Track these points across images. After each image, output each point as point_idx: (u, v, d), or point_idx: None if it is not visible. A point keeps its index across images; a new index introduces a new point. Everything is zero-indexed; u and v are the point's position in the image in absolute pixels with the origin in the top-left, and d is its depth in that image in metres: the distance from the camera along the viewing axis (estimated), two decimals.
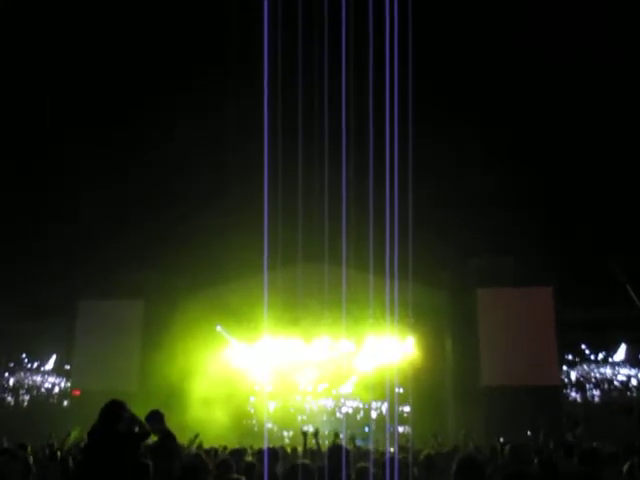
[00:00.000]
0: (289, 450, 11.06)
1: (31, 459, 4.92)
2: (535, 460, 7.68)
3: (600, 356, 23.42)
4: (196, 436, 11.23)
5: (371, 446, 10.83)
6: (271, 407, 24.95)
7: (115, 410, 5.92)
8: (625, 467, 5.77)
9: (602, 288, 19.45)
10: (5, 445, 10.35)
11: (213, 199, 20.52)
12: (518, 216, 20.10)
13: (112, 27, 20.11)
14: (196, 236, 21.12)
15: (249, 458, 8.60)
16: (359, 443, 11.16)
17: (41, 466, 7.04)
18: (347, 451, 5.73)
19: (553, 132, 21.09)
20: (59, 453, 8.44)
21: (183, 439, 11.65)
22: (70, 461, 7.46)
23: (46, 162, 20.87)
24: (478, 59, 20.30)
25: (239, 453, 8.45)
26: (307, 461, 6.00)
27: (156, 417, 7.57)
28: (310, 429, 9.54)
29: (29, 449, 8.74)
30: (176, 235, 21.28)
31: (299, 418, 24.97)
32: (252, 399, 24.98)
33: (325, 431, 16.30)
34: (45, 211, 21.43)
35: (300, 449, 9.02)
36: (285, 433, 24.24)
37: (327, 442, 12.64)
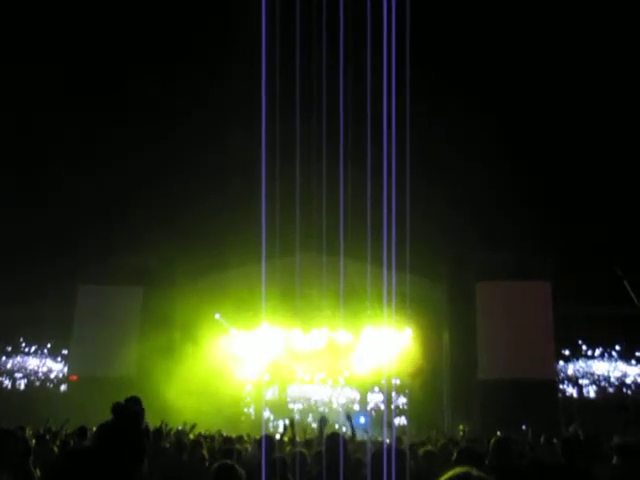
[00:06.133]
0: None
1: (31, 442, 4.93)
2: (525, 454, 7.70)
3: (597, 352, 23.46)
4: (193, 426, 11.31)
5: (367, 436, 10.85)
6: (267, 396, 25.00)
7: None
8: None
9: (600, 284, 19.49)
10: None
11: (213, 187, 20.51)
12: (518, 212, 20.11)
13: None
14: (196, 224, 21.11)
15: (246, 445, 8.66)
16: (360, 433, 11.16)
17: (40, 449, 7.08)
18: (344, 440, 5.77)
19: (554, 130, 21.07)
20: (58, 438, 8.49)
21: (179, 424, 11.80)
22: (70, 444, 7.50)
23: (46, 143, 20.73)
24: (481, 52, 20.23)
25: (234, 441, 8.50)
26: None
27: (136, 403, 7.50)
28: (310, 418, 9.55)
29: (27, 432, 8.79)
30: (176, 223, 21.26)
31: (295, 407, 25.02)
32: (249, 387, 25.02)
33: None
34: (44, 193, 21.34)
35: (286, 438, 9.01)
36: (280, 422, 24.30)
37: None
